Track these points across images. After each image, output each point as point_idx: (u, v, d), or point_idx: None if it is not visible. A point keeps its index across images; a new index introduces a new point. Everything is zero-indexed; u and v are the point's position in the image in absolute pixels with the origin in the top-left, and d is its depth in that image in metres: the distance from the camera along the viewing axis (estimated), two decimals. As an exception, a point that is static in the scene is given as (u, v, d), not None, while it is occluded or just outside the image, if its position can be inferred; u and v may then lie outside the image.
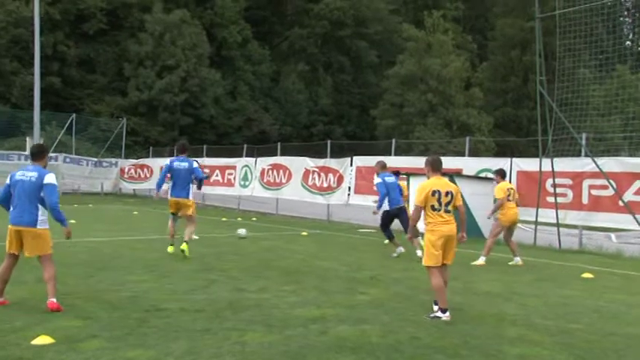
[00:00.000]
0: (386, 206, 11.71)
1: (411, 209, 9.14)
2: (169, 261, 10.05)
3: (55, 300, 6.29)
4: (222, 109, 43.30)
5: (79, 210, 21.23)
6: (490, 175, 15.98)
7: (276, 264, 10.13)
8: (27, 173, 6.46)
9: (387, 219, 11.87)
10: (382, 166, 12.03)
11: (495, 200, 11.53)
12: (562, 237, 13.89)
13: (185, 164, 10.42)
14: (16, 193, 6.39)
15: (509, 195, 11.00)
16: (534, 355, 5.33)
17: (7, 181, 6.55)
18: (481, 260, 10.95)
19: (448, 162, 17.62)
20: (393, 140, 20.13)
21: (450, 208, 6.60)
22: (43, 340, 5.15)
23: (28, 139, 29.39)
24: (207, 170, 18.10)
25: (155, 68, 39.44)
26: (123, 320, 5.99)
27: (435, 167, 6.76)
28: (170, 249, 10.66)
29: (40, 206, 6.36)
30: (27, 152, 29.05)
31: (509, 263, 10.95)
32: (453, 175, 15.63)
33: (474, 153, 18.55)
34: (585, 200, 13.71)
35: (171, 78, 38.93)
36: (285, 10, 53.25)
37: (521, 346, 5.55)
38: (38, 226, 6.34)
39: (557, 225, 13.94)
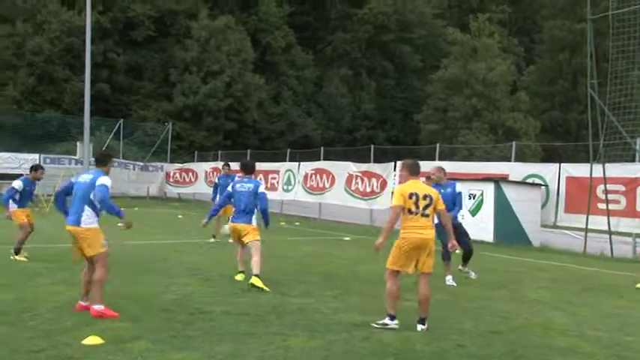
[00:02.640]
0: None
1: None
2: (212, 264, 10.15)
3: (96, 307, 6.23)
4: (265, 114, 43.66)
5: (126, 213, 21.68)
6: (537, 181, 15.66)
7: (318, 269, 10.12)
8: (84, 175, 6.73)
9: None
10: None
11: None
12: (614, 245, 13.46)
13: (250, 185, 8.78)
14: (73, 195, 6.62)
15: None
16: (585, 366, 5.17)
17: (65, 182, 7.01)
18: None
19: (493, 167, 17.36)
20: (437, 145, 19.91)
21: (427, 212, 6.23)
22: (93, 340, 5.26)
23: (78, 143, 30.28)
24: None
25: (200, 74, 40.06)
26: (168, 322, 6.06)
27: (413, 171, 6.43)
28: (239, 277, 8.86)
29: (86, 207, 6.47)
30: (77, 156, 29.96)
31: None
32: (499, 180, 15.37)
33: (520, 158, 18.18)
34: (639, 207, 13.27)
35: (215, 83, 39.46)
36: (329, 15, 53.39)
37: (572, 358, 5.38)
38: (82, 225, 6.43)
39: (609, 232, 13.52)
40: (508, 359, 5.25)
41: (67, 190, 6.70)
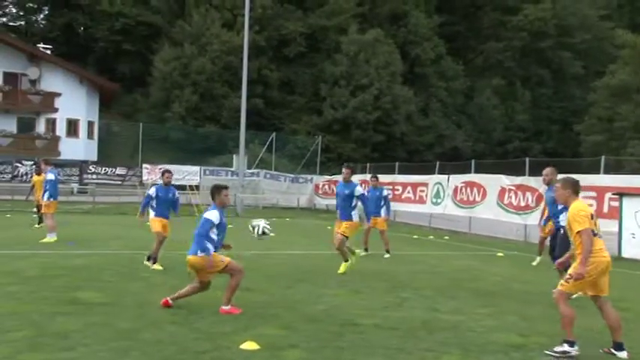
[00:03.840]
0: None
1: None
2: (362, 276, 10.15)
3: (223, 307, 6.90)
4: (413, 126, 43.37)
5: (277, 223, 22.50)
6: None
7: (470, 285, 9.73)
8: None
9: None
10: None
11: None
12: None
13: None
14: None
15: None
16: None
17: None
18: None
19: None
20: (602, 157, 18.39)
21: (600, 232, 5.82)
22: (250, 345, 5.45)
23: (234, 156, 32.15)
24: None
25: (349, 87, 40.81)
26: (319, 333, 6.12)
27: (578, 189, 6.01)
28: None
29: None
30: (233, 168, 31.82)
31: None
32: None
33: (702, 171, 16.22)
34: None
35: (364, 96, 39.96)
36: (481, 24, 51.94)
37: None
38: (198, 254, 6.88)
39: None
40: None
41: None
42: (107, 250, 12.22)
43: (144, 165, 33.32)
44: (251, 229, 7.82)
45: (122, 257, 11.12)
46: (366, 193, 14.06)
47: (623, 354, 5.61)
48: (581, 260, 5.58)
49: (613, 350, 5.68)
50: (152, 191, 10.27)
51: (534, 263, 12.63)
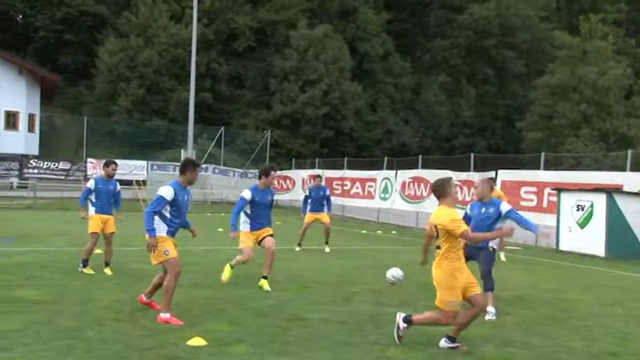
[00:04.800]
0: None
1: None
2: (311, 272, 10.20)
3: (163, 315, 6.17)
4: (362, 122, 43.73)
5: (226, 218, 22.31)
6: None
7: (417, 279, 9.88)
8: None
9: None
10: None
11: None
12: None
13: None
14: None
15: None
16: None
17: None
18: None
19: (605, 177, 16.33)
20: (542, 154, 19.02)
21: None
22: (197, 341, 5.40)
23: (182, 151, 31.70)
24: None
25: (298, 82, 40.78)
26: (267, 327, 6.13)
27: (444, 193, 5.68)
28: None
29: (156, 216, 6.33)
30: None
31: None
32: (612, 191, 14.45)
33: (637, 167, 16.96)
34: None
35: (313, 92, 40.01)
36: (428, 21, 52.76)
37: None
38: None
39: None
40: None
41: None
42: (49, 246, 11.87)
43: (89, 159, 32.52)
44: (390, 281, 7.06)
45: (65, 254, 10.82)
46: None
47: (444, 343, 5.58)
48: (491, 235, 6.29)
49: (449, 342, 5.61)
50: (91, 183, 9.29)
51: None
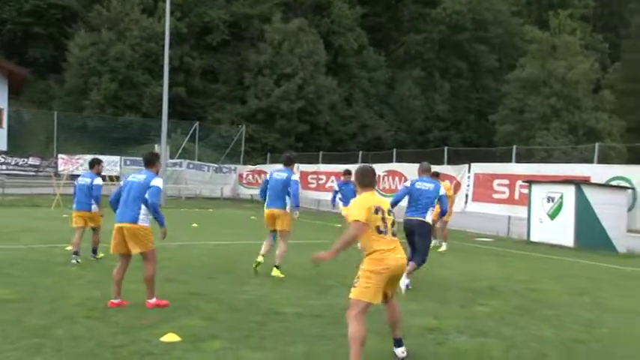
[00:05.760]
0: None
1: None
2: (288, 266, 10.19)
3: (151, 301, 6.63)
4: (337, 116, 43.77)
5: (200, 214, 22.26)
6: (623, 184, 14.89)
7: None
8: (137, 175, 6.82)
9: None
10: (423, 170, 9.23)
11: None
12: None
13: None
14: (124, 193, 6.73)
15: None
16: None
17: (121, 183, 6.99)
18: None
19: (574, 169, 16.64)
20: (514, 147, 19.30)
21: (395, 231, 4.96)
22: (171, 337, 5.38)
23: (156, 146, 31.36)
24: None
25: (273, 77, 40.62)
26: (242, 322, 6.13)
27: (365, 182, 5.10)
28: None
29: (142, 206, 6.60)
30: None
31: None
32: (580, 183, 14.72)
33: (604, 160, 17.30)
34: None
35: (288, 86, 39.90)
36: (402, 15, 52.93)
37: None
38: (139, 223, 6.55)
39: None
40: (594, 371, 4.98)
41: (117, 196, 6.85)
42: (18, 244, 11.68)
43: (59, 155, 31.98)
44: None
45: (35, 251, 10.65)
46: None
47: (401, 350, 5.23)
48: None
49: (395, 348, 5.24)
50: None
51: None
